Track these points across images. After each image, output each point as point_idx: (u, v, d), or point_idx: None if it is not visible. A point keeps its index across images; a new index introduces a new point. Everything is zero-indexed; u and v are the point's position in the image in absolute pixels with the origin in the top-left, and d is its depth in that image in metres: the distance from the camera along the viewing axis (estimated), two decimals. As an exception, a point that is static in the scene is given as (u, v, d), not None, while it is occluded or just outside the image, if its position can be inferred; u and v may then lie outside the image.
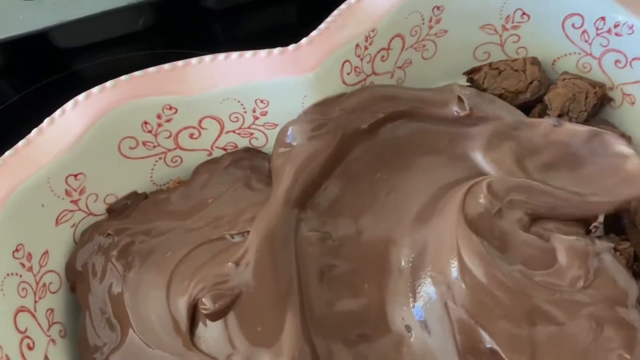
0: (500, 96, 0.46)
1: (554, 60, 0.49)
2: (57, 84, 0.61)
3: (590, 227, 0.41)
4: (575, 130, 0.41)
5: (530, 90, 0.47)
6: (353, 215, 0.40)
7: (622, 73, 0.46)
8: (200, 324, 0.36)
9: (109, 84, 0.41)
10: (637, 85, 0.45)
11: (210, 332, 0.36)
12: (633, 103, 0.46)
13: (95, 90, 0.41)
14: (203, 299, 0.36)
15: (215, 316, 0.36)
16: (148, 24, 0.62)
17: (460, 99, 0.44)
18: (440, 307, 0.35)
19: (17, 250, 0.38)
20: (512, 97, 0.47)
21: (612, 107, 0.48)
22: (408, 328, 0.36)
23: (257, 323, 0.36)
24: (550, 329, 0.33)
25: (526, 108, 0.47)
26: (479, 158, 0.41)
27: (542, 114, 0.46)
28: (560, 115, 0.45)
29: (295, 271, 0.37)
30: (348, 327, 0.37)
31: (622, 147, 0.40)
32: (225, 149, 0.46)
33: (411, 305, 0.36)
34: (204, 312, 0.36)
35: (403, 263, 0.37)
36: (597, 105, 0.46)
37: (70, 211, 0.41)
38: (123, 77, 0.42)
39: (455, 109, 0.43)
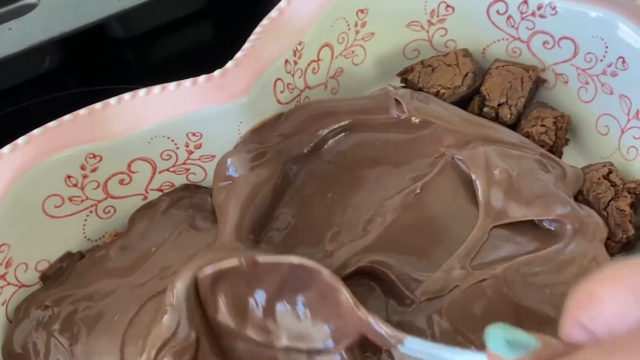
0: (437, 93, 0.45)
1: (484, 49, 0.48)
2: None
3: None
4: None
5: (465, 83, 0.46)
6: (312, 242, 0.38)
7: (552, 54, 0.46)
8: (165, 390, 0.33)
9: (20, 140, 0.37)
10: (567, 64, 0.45)
11: (177, 397, 0.33)
12: (566, 82, 0.46)
13: (5, 150, 0.37)
14: (164, 359, 0.33)
15: (180, 379, 0.33)
16: (54, 63, 0.57)
17: (397, 102, 0.42)
18: (423, 322, 0.33)
19: (-59, 344, 0.33)
20: (450, 93, 0.46)
21: (546, 89, 0.47)
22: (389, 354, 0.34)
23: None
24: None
25: (463, 101, 0.46)
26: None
27: (481, 106, 0.45)
28: (500, 105, 0.45)
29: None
30: None
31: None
32: (161, 190, 0.42)
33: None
34: (167, 377, 0.32)
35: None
36: (533, 89, 0.46)
37: (-1, 287, 0.37)
38: (35, 131, 0.38)
39: (395, 113, 0.42)
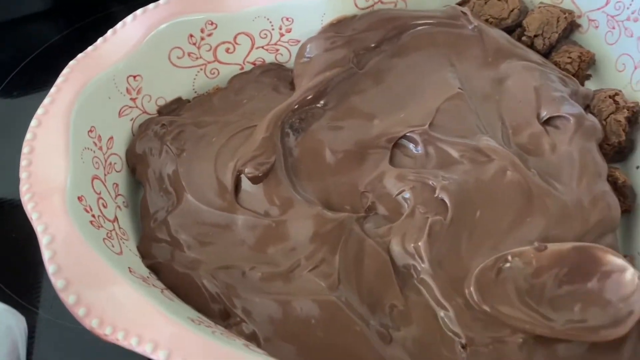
0: (486, 21, 0.55)
1: (532, -7, 0.58)
2: (95, 25, 0.69)
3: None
4: (560, 250, 0.38)
5: (511, 17, 0.56)
6: (363, 115, 0.49)
7: (589, 2, 0.55)
8: (242, 188, 0.45)
9: (162, 1, 0.50)
10: (599, 11, 0.54)
11: (250, 193, 0.45)
12: (597, 27, 0.55)
13: (150, 6, 0.50)
14: (247, 167, 0.45)
15: (257, 179, 0.44)
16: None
17: (464, 13, 0.53)
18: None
19: (90, 130, 0.46)
20: (496, 23, 0.55)
21: (580, 33, 0.56)
22: None
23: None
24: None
25: (507, 31, 0.55)
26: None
27: (520, 36, 0.55)
28: (535, 36, 0.54)
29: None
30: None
31: (612, 258, 0.38)
32: (254, 64, 0.54)
33: None
34: (249, 175, 0.44)
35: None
36: (567, 29, 0.55)
37: (130, 107, 0.50)
38: (174, -3, 0.50)
39: (463, 22, 0.53)
